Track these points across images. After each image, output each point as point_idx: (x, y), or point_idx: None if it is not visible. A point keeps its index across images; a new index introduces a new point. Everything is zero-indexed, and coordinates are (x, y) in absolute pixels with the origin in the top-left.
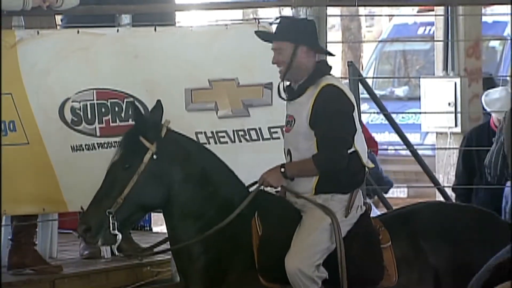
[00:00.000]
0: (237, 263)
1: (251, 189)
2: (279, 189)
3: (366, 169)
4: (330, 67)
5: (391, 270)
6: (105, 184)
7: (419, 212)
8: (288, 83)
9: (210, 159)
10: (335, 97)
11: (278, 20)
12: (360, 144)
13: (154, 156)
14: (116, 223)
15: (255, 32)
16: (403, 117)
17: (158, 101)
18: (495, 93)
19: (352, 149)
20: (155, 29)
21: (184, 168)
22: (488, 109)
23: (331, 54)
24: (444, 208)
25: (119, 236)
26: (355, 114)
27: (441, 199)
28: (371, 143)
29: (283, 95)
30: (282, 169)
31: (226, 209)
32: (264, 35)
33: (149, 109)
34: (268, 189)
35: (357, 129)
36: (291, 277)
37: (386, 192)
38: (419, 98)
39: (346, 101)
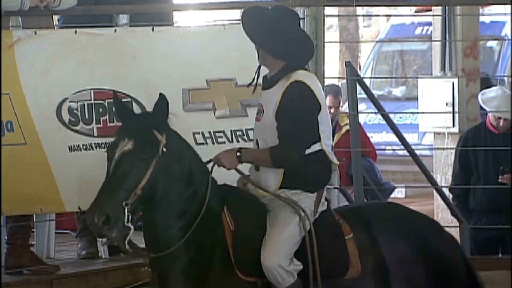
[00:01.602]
0: (215, 259)
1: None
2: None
3: (334, 167)
4: (298, 66)
5: (355, 261)
6: (118, 173)
7: (372, 207)
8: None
9: (195, 156)
10: (301, 95)
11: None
12: (326, 142)
13: (164, 149)
14: (129, 216)
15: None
16: (400, 117)
17: (161, 95)
18: (491, 92)
19: (319, 148)
20: (152, 29)
21: (180, 163)
22: (486, 108)
23: (297, 65)
24: (394, 206)
25: (131, 229)
26: (322, 113)
27: (439, 199)
28: (368, 147)
29: (256, 80)
30: (238, 153)
31: (203, 207)
32: (243, 21)
33: (146, 109)
34: (221, 169)
35: (318, 128)
36: (270, 273)
37: (388, 195)
38: (417, 98)
39: (312, 100)
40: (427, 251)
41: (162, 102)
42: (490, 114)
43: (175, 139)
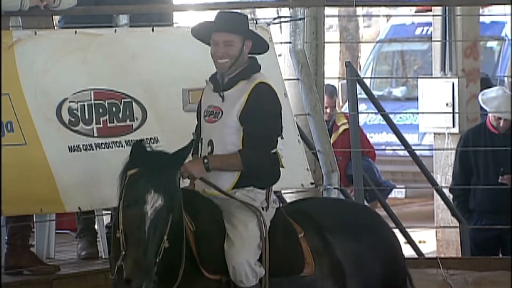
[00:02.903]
0: (182, 260)
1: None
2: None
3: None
4: (260, 66)
5: (309, 259)
6: (152, 233)
7: (317, 207)
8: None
9: None
10: (269, 96)
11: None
12: (280, 146)
13: None
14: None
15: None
16: (400, 118)
17: (192, 140)
18: (492, 92)
19: (274, 150)
20: (152, 30)
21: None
22: (486, 108)
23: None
24: (339, 204)
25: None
26: (282, 116)
27: (439, 199)
28: (366, 146)
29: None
30: (205, 160)
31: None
32: (215, 27)
33: (146, 109)
34: (186, 181)
35: (281, 131)
36: (238, 269)
37: (387, 195)
38: (417, 99)
39: (277, 101)
40: (377, 246)
41: (187, 148)
42: (490, 115)
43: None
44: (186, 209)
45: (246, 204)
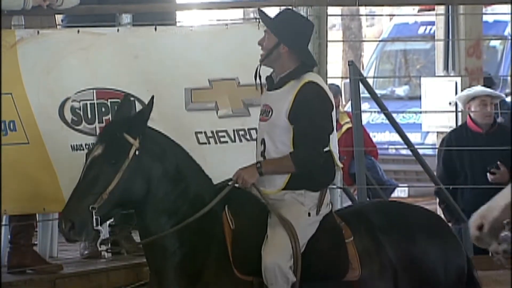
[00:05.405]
0: (211, 257)
1: (228, 183)
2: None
3: (338, 168)
4: (313, 66)
5: (355, 264)
6: (87, 178)
7: (373, 208)
8: (268, 73)
9: (182, 155)
10: (317, 95)
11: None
12: (334, 144)
13: (137, 152)
14: (98, 219)
15: (259, 10)
16: (403, 117)
17: (152, 97)
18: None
19: (327, 148)
20: (155, 29)
21: (162, 164)
22: (464, 95)
23: (312, 65)
24: (394, 205)
25: (102, 232)
26: (333, 113)
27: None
28: (369, 145)
29: (259, 80)
30: (258, 165)
31: (197, 205)
32: (263, 18)
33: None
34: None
35: (333, 129)
36: (268, 272)
37: (390, 194)
38: (420, 98)
39: (326, 99)
40: (432, 245)
41: (147, 106)
42: (472, 114)
43: (154, 140)
44: (230, 208)
45: (278, 217)
